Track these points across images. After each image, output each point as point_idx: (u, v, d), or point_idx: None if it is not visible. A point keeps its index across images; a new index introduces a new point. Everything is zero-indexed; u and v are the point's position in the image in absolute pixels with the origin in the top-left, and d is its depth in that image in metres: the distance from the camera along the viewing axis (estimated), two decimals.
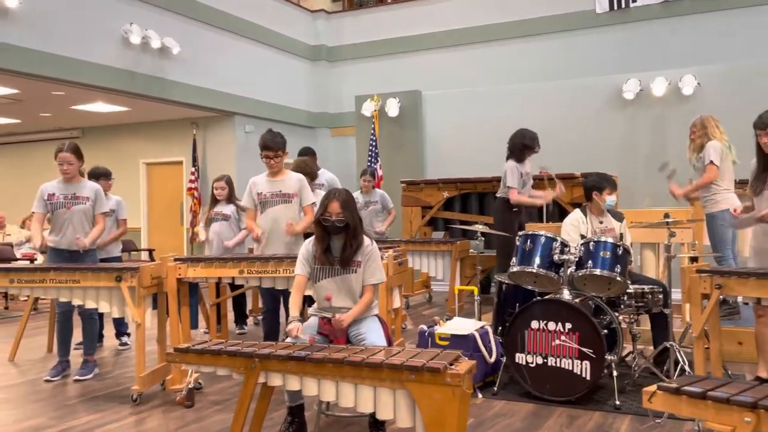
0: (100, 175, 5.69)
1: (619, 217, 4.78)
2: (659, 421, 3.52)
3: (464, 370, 2.51)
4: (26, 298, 6.81)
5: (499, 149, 6.84)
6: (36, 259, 8.47)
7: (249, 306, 6.91)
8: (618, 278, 4.05)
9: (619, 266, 4.06)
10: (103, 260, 5.38)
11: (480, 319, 4.83)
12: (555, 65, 9.86)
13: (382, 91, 10.18)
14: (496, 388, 4.19)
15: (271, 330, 4.68)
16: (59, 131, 11.53)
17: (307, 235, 3.83)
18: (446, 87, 10.32)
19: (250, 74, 10.25)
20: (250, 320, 6.89)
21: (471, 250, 7.29)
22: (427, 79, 10.58)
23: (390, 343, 3.35)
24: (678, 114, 8.37)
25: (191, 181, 10.20)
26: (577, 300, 4.07)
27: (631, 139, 8.78)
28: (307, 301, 4.52)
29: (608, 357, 3.88)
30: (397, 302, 4.72)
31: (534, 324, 4.02)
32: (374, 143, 9.78)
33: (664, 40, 9.27)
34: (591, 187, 4.67)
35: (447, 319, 4.59)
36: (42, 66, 7.22)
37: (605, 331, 3.97)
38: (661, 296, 4.36)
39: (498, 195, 6.46)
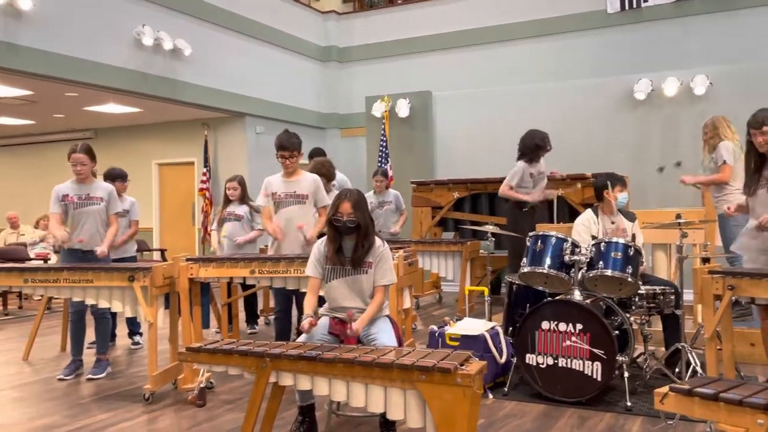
0: (116, 176, 5.74)
1: (631, 218, 4.76)
2: (671, 422, 3.50)
3: (475, 371, 2.51)
4: (40, 298, 6.87)
5: (509, 150, 6.83)
6: (49, 259, 8.55)
7: (260, 306, 6.94)
8: (629, 279, 4.04)
9: (630, 267, 4.05)
10: (118, 260, 5.42)
11: (490, 320, 4.83)
12: (566, 65, 9.83)
13: (392, 92, 10.18)
14: (506, 389, 4.18)
15: (283, 330, 4.70)
16: (72, 132, 11.62)
17: (321, 235, 3.84)
18: (457, 87, 10.31)
19: (261, 75, 10.29)
20: (261, 320, 6.92)
21: (481, 251, 7.28)
22: (437, 80, 10.58)
23: (400, 343, 3.35)
24: (690, 114, 8.33)
25: (203, 182, 10.25)
26: (588, 301, 4.06)
27: (642, 140, 8.74)
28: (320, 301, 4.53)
29: (619, 358, 3.87)
30: (407, 302, 4.73)
31: (545, 325, 4.02)
32: (384, 144, 9.79)
33: (676, 40, 9.21)
34: (601, 186, 4.65)
35: (457, 320, 4.59)
36: (55, 67, 7.28)
37: (616, 332, 3.96)
38: (672, 297, 4.34)
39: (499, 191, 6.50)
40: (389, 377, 2.60)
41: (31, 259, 8.44)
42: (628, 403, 3.82)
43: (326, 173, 5.26)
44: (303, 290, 4.17)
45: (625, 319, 4.15)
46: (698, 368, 4.02)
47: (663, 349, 4.58)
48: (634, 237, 4.59)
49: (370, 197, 7.64)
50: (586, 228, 4.65)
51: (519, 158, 6.38)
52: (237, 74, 9.79)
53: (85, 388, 4.57)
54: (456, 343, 4.24)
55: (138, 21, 8.18)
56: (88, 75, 7.63)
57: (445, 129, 9.95)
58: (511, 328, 4.56)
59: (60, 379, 4.78)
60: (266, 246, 5.99)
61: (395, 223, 7.55)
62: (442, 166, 9.90)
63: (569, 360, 3.94)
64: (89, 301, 4.40)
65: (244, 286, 6.08)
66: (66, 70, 7.39)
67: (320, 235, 3.66)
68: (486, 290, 5.14)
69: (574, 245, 4.21)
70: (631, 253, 4.09)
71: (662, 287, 4.37)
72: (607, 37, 9.64)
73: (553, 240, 4.24)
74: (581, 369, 3.90)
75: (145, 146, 11.24)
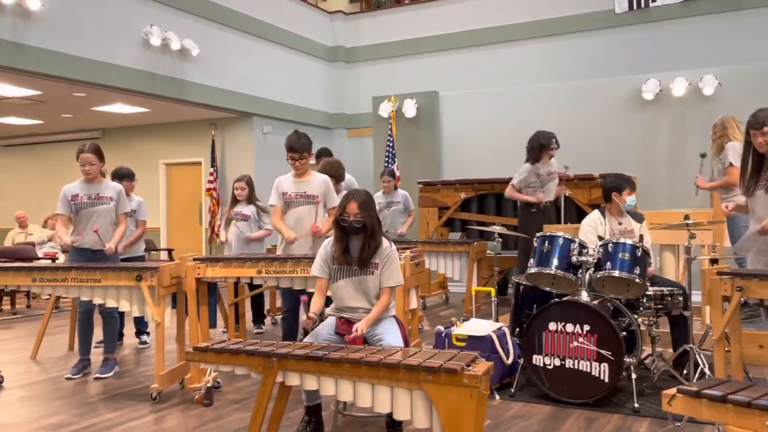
0: (123, 176, 5.75)
1: (639, 219, 4.74)
2: (679, 424, 3.49)
3: (481, 372, 2.51)
4: (48, 297, 6.91)
5: (516, 150, 6.83)
6: (58, 259, 8.59)
7: (267, 306, 6.95)
8: (637, 280, 4.02)
9: (638, 268, 4.03)
10: (127, 260, 5.44)
11: (497, 321, 4.82)
12: (574, 66, 9.81)
13: (399, 92, 10.18)
14: (513, 390, 4.17)
15: (290, 330, 4.71)
16: (80, 132, 11.68)
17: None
18: (464, 88, 10.30)
19: (268, 75, 10.30)
20: (267, 320, 6.93)
21: (488, 251, 7.27)
22: (444, 80, 10.57)
23: (407, 343, 3.35)
24: (698, 115, 8.29)
25: (210, 182, 10.28)
26: (595, 302, 4.05)
27: (650, 140, 8.70)
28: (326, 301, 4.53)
29: (627, 359, 3.85)
30: (413, 303, 4.72)
31: (552, 326, 4.00)
32: (391, 144, 9.79)
33: (684, 40, 9.17)
34: (610, 188, 4.64)
35: (464, 320, 4.58)
36: (63, 67, 7.32)
37: (624, 333, 3.94)
38: (680, 298, 4.32)
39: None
40: (396, 377, 2.60)
41: (39, 259, 8.48)
42: (636, 405, 3.81)
43: (335, 174, 5.23)
44: (310, 290, 4.18)
45: (632, 321, 4.14)
46: (706, 370, 4.00)
47: (671, 350, 4.57)
48: (642, 238, 4.57)
49: (379, 197, 7.65)
50: (592, 229, 4.63)
51: (526, 160, 6.38)
52: (244, 74, 9.81)
53: (93, 387, 4.58)
54: (462, 344, 4.24)
55: (146, 21, 8.21)
56: (96, 75, 7.66)
57: (452, 129, 9.94)
58: (518, 329, 4.56)
59: (68, 378, 4.80)
60: (274, 246, 6.01)
61: (402, 224, 7.55)
62: (449, 166, 9.89)
63: (576, 361, 3.93)
64: (97, 301, 4.42)
65: (251, 286, 6.09)
66: (74, 70, 7.43)
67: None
68: (493, 291, 5.13)
69: (582, 246, 4.20)
70: (639, 254, 4.08)
71: (670, 288, 4.35)
72: (615, 37, 9.61)
73: (561, 241, 4.22)
74: (588, 370, 3.89)
75: (153, 146, 11.27)
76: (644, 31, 9.44)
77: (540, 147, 6.30)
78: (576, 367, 3.92)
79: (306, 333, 3.30)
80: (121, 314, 5.36)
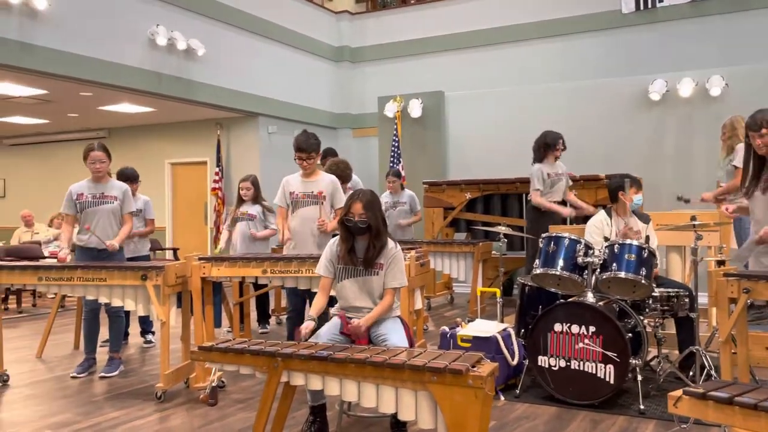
0: (128, 177, 5.76)
1: (645, 219, 4.73)
2: (685, 426, 3.47)
3: (487, 372, 2.50)
4: (54, 296, 6.92)
5: (522, 150, 6.81)
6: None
7: (271, 305, 6.96)
8: (643, 281, 4.01)
9: (644, 269, 4.01)
10: (132, 259, 5.45)
11: (502, 321, 4.80)
12: (580, 66, 9.78)
13: (404, 92, 10.17)
14: (518, 391, 4.16)
15: (295, 330, 4.70)
16: (86, 131, 11.72)
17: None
18: (469, 88, 10.28)
19: (274, 75, 10.31)
20: (272, 319, 6.94)
21: (493, 252, 7.26)
22: (450, 80, 10.56)
23: (411, 344, 3.35)
24: (705, 115, 8.26)
25: (215, 181, 10.30)
26: (601, 303, 4.03)
27: (657, 141, 8.68)
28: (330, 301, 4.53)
29: (633, 361, 3.84)
30: (418, 303, 4.72)
31: (557, 327, 3.99)
32: (397, 144, 9.78)
33: (692, 40, 9.14)
34: (616, 188, 4.62)
35: (469, 321, 4.57)
36: (70, 67, 7.34)
37: (630, 334, 3.93)
38: (687, 300, 4.30)
39: (530, 198, 6.42)
40: (400, 378, 2.60)
41: (45, 258, 8.51)
42: (641, 407, 3.80)
43: (342, 174, 5.22)
44: (315, 290, 4.17)
45: (638, 322, 4.12)
46: (712, 372, 3.99)
47: (677, 352, 4.54)
48: (648, 239, 4.55)
49: (386, 197, 7.66)
50: (598, 229, 4.62)
51: (534, 161, 6.33)
52: (250, 74, 9.82)
53: (98, 386, 4.59)
54: (467, 345, 4.23)
55: (152, 21, 8.22)
56: (102, 75, 7.68)
57: (458, 129, 9.93)
58: (523, 330, 4.55)
59: (73, 377, 4.82)
60: (279, 246, 6.01)
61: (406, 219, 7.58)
62: (455, 166, 9.88)
63: (582, 362, 3.91)
64: (102, 300, 4.43)
65: (256, 286, 6.09)
66: (80, 70, 7.45)
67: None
68: (498, 291, 5.12)
69: (588, 247, 4.18)
70: (645, 255, 4.06)
71: (676, 290, 4.33)
72: (622, 38, 9.58)
73: (566, 241, 4.21)
74: (594, 371, 3.88)
75: (158, 146, 11.30)
76: (651, 32, 9.41)
77: (545, 147, 6.27)
78: (581, 368, 3.91)
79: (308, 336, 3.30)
80: (127, 313, 5.37)
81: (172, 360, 4.38)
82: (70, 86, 7.96)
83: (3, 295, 7.75)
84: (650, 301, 4.27)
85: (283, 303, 6.91)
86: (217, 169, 10.33)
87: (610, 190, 4.68)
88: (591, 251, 4.16)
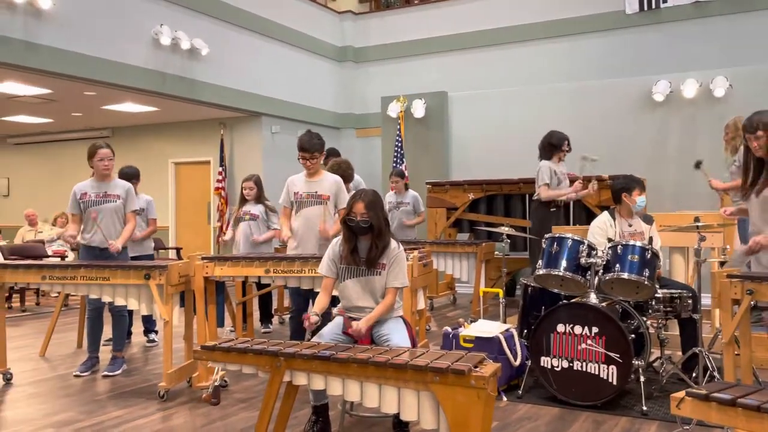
0: (129, 175, 5.77)
1: (648, 220, 4.72)
2: (687, 427, 3.47)
3: (489, 373, 2.50)
4: (57, 295, 6.94)
5: (525, 151, 6.80)
6: (67, 256, 8.63)
7: (274, 305, 6.96)
8: (646, 282, 4.00)
9: (647, 270, 4.01)
10: (136, 258, 5.46)
11: (505, 322, 4.80)
12: (584, 66, 9.76)
13: (408, 92, 10.17)
14: (520, 392, 4.16)
15: (298, 330, 4.70)
16: (90, 131, 11.74)
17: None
18: (473, 88, 10.28)
19: (277, 75, 10.32)
20: (275, 319, 6.94)
21: (496, 252, 7.25)
22: (453, 80, 10.55)
23: (414, 344, 3.35)
24: (709, 116, 8.24)
25: (218, 181, 10.31)
26: (604, 304, 4.03)
27: (660, 142, 8.66)
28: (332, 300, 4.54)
29: (635, 362, 3.83)
30: (421, 304, 4.72)
31: (560, 327, 3.99)
32: (400, 144, 9.79)
33: (695, 41, 9.12)
34: (620, 189, 4.61)
35: (471, 321, 4.57)
36: (74, 66, 7.35)
37: (632, 335, 3.93)
38: (690, 301, 4.30)
39: (534, 197, 6.40)
40: (403, 378, 2.60)
41: (48, 256, 8.53)
42: (644, 408, 3.79)
43: (344, 174, 5.22)
44: (317, 290, 4.17)
45: (641, 323, 4.12)
46: (715, 373, 3.98)
47: (680, 353, 4.54)
48: (651, 240, 4.54)
49: (389, 197, 7.66)
50: (602, 230, 4.61)
51: (540, 158, 6.32)
52: (253, 74, 9.83)
53: (101, 385, 4.60)
54: (470, 345, 4.23)
55: (156, 21, 8.23)
56: (106, 74, 7.70)
57: (461, 129, 9.93)
58: (525, 331, 4.54)
59: (76, 376, 4.82)
60: (282, 246, 6.02)
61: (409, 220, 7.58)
62: (458, 166, 9.88)
63: (584, 363, 3.91)
64: (105, 299, 4.44)
65: (259, 286, 6.09)
66: (84, 69, 7.47)
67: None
68: (501, 292, 5.12)
69: (591, 248, 4.18)
70: (648, 256, 4.05)
71: (679, 291, 4.33)
72: (626, 38, 9.56)
73: (570, 242, 4.21)
74: (596, 372, 3.87)
75: (162, 145, 11.32)
76: (655, 32, 9.39)
77: (550, 146, 6.27)
78: (584, 369, 3.91)
79: (313, 334, 3.30)
80: (130, 312, 5.38)
81: (174, 359, 4.39)
82: (74, 86, 7.98)
83: (7, 294, 7.76)
84: (653, 302, 4.26)
85: (286, 303, 6.92)
86: (220, 169, 10.34)
87: (614, 192, 4.67)
88: (594, 252, 4.16)
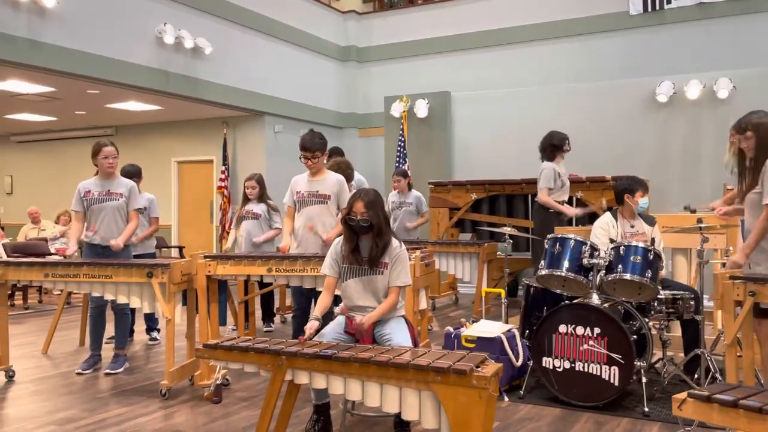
0: (130, 173, 5.77)
1: (651, 222, 4.72)
2: (689, 429, 3.46)
3: (491, 373, 2.50)
4: (60, 292, 6.95)
5: (528, 151, 6.79)
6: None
7: (276, 304, 6.97)
8: (648, 283, 4.00)
9: (649, 271, 4.00)
10: (138, 256, 5.47)
11: (507, 322, 4.80)
12: (587, 67, 9.75)
13: (411, 92, 10.17)
14: (522, 392, 4.16)
15: (300, 329, 4.70)
16: (93, 129, 11.75)
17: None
18: (476, 88, 10.27)
19: (281, 74, 10.33)
20: (277, 318, 6.94)
21: (498, 253, 7.25)
22: (456, 81, 10.55)
23: (416, 344, 3.35)
24: (712, 118, 8.23)
25: (221, 180, 10.31)
26: (606, 305, 4.03)
27: (664, 143, 8.65)
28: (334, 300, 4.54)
29: (637, 363, 3.83)
30: (423, 303, 4.72)
31: (562, 328, 3.99)
32: (403, 144, 9.79)
33: (699, 42, 9.10)
34: (622, 190, 4.61)
35: (473, 322, 4.57)
36: (78, 65, 7.37)
37: (635, 336, 3.92)
38: (692, 302, 4.29)
39: (537, 198, 6.40)
40: (404, 377, 2.60)
41: (51, 254, 8.54)
42: (646, 409, 3.79)
43: (343, 174, 5.23)
44: (320, 289, 4.18)
45: (643, 324, 4.11)
46: (717, 375, 3.97)
47: (682, 354, 4.53)
48: (653, 241, 4.54)
49: (393, 197, 7.67)
50: (604, 231, 4.61)
51: (542, 159, 6.30)
52: (256, 73, 9.84)
53: (103, 383, 4.61)
54: (472, 345, 4.23)
55: (159, 19, 8.24)
56: (110, 73, 7.71)
57: (464, 130, 9.93)
58: (527, 331, 4.54)
59: (78, 374, 4.83)
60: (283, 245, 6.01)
61: (412, 222, 7.57)
62: (460, 166, 9.88)
63: (586, 364, 3.91)
64: (108, 297, 4.45)
65: (261, 284, 6.10)
66: (88, 68, 7.48)
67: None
68: (503, 292, 5.12)
69: (593, 248, 4.17)
70: (651, 257, 4.05)
71: (682, 292, 4.32)
72: (629, 39, 9.55)
73: (572, 243, 4.21)
74: (598, 373, 3.87)
75: (165, 144, 11.33)
76: (658, 33, 9.38)
77: (552, 147, 6.25)
78: (586, 370, 3.91)
79: (316, 332, 3.30)
80: (132, 311, 5.39)
81: (176, 357, 4.39)
82: (77, 84, 7.99)
83: (9, 292, 7.78)
84: (655, 304, 4.26)
85: (288, 302, 6.92)
86: (223, 168, 10.35)
87: (616, 193, 4.67)
88: (596, 253, 4.16)
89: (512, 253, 6.71)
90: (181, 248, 9.90)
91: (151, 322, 6.01)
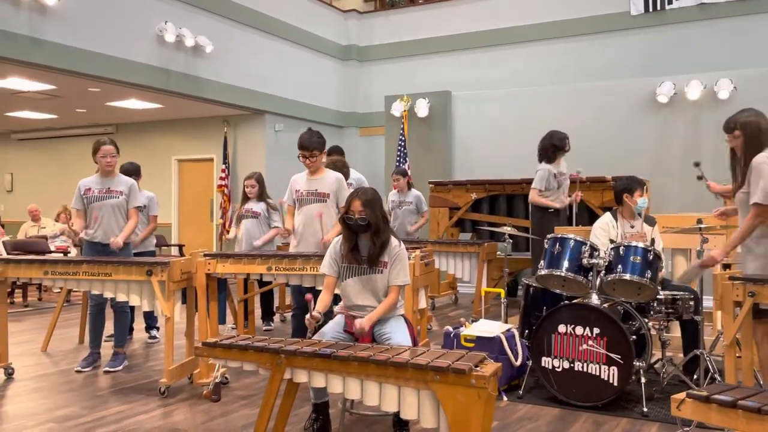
0: (129, 172, 5.77)
1: (651, 222, 4.71)
2: (688, 429, 3.46)
3: (490, 373, 2.50)
4: (59, 290, 6.96)
5: (528, 151, 6.79)
6: (69, 252, 8.65)
7: (276, 303, 6.97)
8: (648, 284, 4.00)
9: (649, 272, 4.00)
10: (138, 254, 5.47)
11: (506, 322, 4.80)
12: (588, 67, 9.75)
13: (411, 92, 10.16)
14: (521, 392, 4.16)
15: (300, 327, 4.70)
16: (93, 127, 11.76)
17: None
18: (476, 88, 10.27)
19: (281, 73, 10.33)
20: (276, 317, 6.95)
21: (498, 252, 7.24)
22: (457, 80, 10.55)
23: (415, 343, 3.35)
24: (713, 118, 8.20)
25: (222, 178, 10.31)
26: (605, 305, 4.03)
27: (664, 143, 8.64)
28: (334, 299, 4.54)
29: (636, 363, 3.83)
30: (423, 303, 4.72)
31: (561, 328, 3.99)
32: (403, 143, 9.78)
33: (700, 42, 9.10)
34: (622, 190, 4.61)
35: (473, 321, 4.57)
36: (79, 62, 7.37)
37: (634, 336, 3.92)
38: (692, 303, 4.29)
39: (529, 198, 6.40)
40: (404, 377, 2.60)
41: (51, 252, 8.54)
42: (645, 409, 3.79)
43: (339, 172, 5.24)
44: (319, 288, 4.18)
45: (643, 324, 4.11)
46: (716, 375, 3.97)
47: (681, 355, 4.54)
48: (653, 241, 4.53)
49: (392, 196, 7.66)
50: (604, 231, 4.61)
51: (540, 160, 6.31)
52: (257, 72, 9.84)
53: (102, 381, 4.61)
54: (471, 345, 4.23)
55: (160, 17, 8.24)
56: (110, 71, 7.71)
57: (464, 129, 9.92)
58: (527, 331, 4.54)
59: (78, 371, 4.84)
60: (285, 244, 6.01)
61: (412, 224, 7.55)
62: (461, 166, 9.88)
63: (585, 364, 3.91)
64: (107, 295, 4.45)
65: (261, 283, 6.11)
66: (89, 66, 7.48)
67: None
68: (502, 292, 5.12)
69: (593, 248, 4.17)
70: (651, 257, 4.05)
71: (681, 293, 4.32)
72: (630, 39, 9.54)
73: (572, 243, 4.20)
74: (597, 373, 3.87)
75: (165, 142, 11.33)
76: (659, 34, 9.37)
77: (553, 147, 6.25)
78: (585, 370, 3.91)
79: (315, 332, 3.30)
80: (131, 309, 5.39)
81: (176, 356, 4.39)
82: (78, 82, 7.99)
83: (9, 289, 7.79)
84: (655, 304, 4.26)
85: (287, 300, 6.92)
86: (223, 166, 10.35)
87: (616, 193, 4.67)
88: (596, 253, 4.16)
89: (512, 253, 6.72)
90: (181, 246, 9.91)
91: (151, 320, 6.01)
